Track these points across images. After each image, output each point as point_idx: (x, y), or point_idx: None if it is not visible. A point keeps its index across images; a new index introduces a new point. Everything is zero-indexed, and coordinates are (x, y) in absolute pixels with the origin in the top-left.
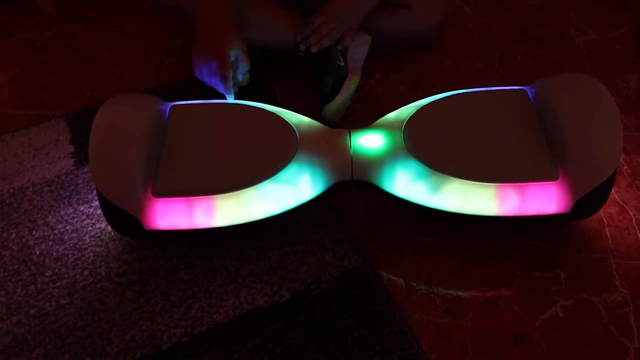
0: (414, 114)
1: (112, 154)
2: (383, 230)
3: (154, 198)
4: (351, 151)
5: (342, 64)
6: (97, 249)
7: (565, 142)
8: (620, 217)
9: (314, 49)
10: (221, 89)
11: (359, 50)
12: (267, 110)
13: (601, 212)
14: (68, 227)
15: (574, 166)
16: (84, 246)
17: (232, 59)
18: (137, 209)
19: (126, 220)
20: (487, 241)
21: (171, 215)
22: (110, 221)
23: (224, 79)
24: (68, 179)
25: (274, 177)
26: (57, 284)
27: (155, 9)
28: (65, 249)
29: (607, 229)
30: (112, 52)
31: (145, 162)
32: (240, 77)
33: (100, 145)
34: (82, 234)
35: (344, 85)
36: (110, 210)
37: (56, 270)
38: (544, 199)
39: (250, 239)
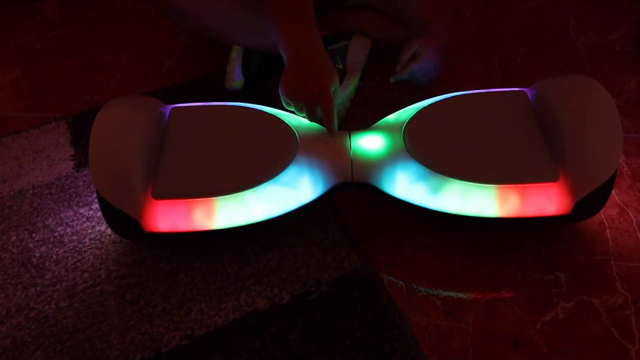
0: (413, 115)
1: (112, 156)
2: (383, 232)
3: (154, 200)
4: (351, 153)
5: (341, 66)
6: (97, 252)
7: (565, 143)
8: (621, 219)
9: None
10: (325, 126)
11: (358, 53)
12: (267, 113)
13: (602, 214)
14: (68, 230)
15: (574, 167)
16: (83, 249)
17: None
18: (137, 211)
19: (126, 223)
20: (487, 243)
21: (171, 217)
22: (110, 223)
23: (329, 118)
24: (68, 181)
25: (274, 178)
26: (57, 287)
27: (157, 10)
28: (65, 251)
29: (607, 230)
30: (112, 55)
31: (145, 164)
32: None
33: (100, 147)
34: (82, 237)
35: (341, 85)
36: (110, 212)
37: (56, 272)
38: (544, 201)
39: (249, 241)
